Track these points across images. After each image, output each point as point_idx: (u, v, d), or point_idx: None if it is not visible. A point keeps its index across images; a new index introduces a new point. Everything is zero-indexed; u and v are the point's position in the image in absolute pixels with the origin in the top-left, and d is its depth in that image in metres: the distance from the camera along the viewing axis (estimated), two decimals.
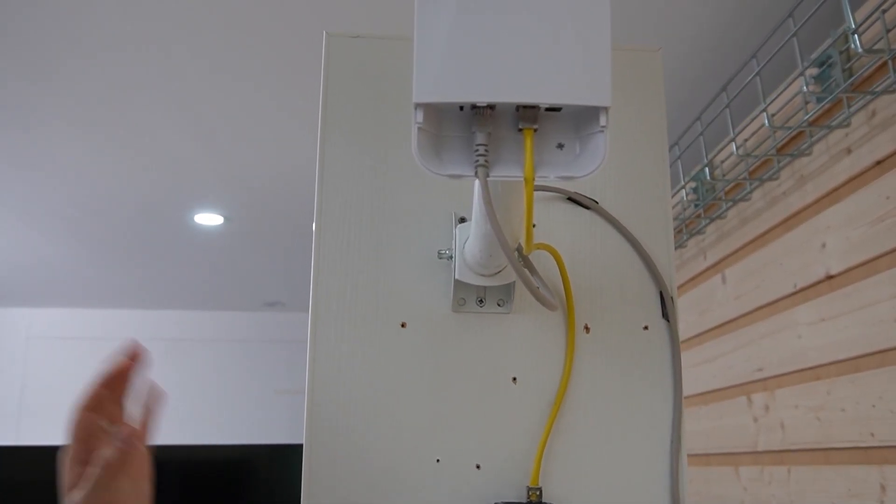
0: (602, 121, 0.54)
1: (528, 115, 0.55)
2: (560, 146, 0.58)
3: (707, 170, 1.76)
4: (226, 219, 2.95)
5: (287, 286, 4.09)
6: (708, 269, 1.97)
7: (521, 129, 0.56)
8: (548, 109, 0.55)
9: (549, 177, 0.57)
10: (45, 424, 4.25)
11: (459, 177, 0.57)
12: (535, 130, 0.56)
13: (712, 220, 1.86)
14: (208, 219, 2.94)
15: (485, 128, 0.56)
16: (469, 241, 0.71)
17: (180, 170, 2.43)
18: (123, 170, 2.41)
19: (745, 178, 1.65)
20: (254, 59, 1.72)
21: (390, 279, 0.79)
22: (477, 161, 0.56)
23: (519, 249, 0.71)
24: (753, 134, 1.61)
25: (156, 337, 4.49)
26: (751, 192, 1.68)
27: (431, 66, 0.53)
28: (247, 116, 2.03)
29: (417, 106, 0.54)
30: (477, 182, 0.61)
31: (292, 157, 2.32)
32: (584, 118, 0.56)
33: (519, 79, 0.53)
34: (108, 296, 4.20)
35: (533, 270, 0.74)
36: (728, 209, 1.81)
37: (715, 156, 1.78)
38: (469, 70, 0.53)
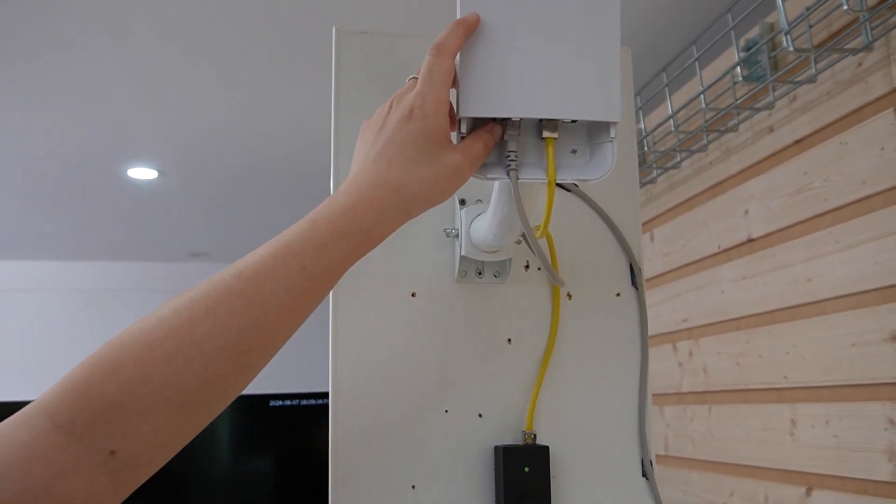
0: (612, 132, 0.66)
1: (550, 125, 0.66)
2: (573, 151, 0.69)
3: (644, 142, 1.91)
4: (160, 173, 2.94)
5: (213, 237, 4.10)
6: None
7: (543, 138, 0.67)
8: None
9: (567, 179, 0.68)
10: None
11: (495, 178, 0.68)
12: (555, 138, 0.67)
13: (643, 184, 2.03)
14: (142, 173, 2.92)
15: (514, 136, 0.67)
16: (483, 226, 0.82)
17: (116, 123, 2.42)
18: (59, 121, 2.38)
19: (675, 150, 1.81)
20: (194, 19, 1.75)
21: (401, 254, 0.89)
22: (509, 165, 0.66)
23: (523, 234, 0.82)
24: (683, 107, 1.76)
25: (77, 288, 4.42)
26: (680, 161, 1.85)
27: (473, 86, 0.64)
28: (186, 74, 2.05)
29: (462, 119, 0.65)
30: (498, 182, 0.73)
31: (227, 113, 2.35)
32: (596, 129, 0.68)
33: (546, 96, 0.64)
34: (28, 247, 4.10)
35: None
36: (658, 176, 1.97)
37: (652, 131, 1.93)
38: (505, 89, 0.64)
